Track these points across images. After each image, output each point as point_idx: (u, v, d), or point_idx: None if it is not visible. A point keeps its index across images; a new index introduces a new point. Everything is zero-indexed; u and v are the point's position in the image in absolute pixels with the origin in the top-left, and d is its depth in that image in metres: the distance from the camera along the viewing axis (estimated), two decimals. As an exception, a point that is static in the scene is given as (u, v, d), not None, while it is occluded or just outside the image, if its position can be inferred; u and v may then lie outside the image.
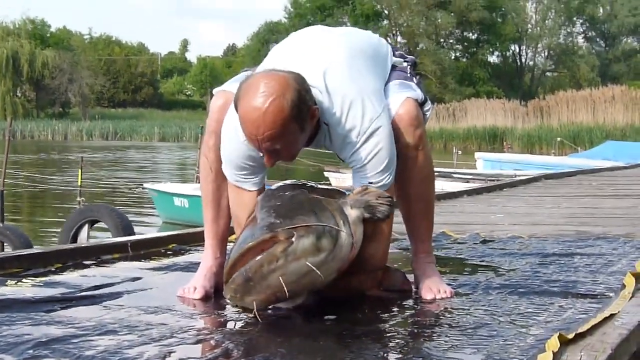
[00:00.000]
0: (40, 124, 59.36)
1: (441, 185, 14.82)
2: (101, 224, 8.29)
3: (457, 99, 58.63)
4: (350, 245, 2.67)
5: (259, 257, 2.48)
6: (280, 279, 2.47)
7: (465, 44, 75.34)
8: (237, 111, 2.69)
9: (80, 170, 15.42)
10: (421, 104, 3.04)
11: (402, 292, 3.08)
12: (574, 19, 77.68)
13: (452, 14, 69.26)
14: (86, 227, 8.23)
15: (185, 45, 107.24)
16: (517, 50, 77.38)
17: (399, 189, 3.05)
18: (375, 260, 2.91)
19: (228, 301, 2.63)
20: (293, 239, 2.49)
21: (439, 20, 70.02)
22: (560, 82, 74.48)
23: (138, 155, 36.37)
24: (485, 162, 23.33)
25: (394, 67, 3.14)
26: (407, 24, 70.53)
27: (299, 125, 2.68)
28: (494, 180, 15.78)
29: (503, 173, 18.43)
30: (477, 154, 24.76)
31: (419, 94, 3.04)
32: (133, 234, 8.17)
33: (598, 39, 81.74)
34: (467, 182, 16.20)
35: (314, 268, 2.51)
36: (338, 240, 2.60)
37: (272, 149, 2.68)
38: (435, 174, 11.30)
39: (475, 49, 73.91)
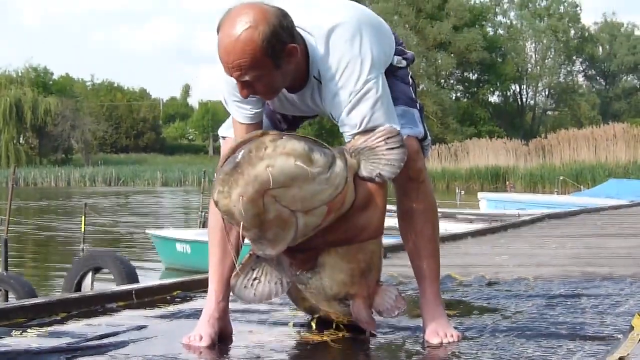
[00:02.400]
0: (43, 171, 59.53)
1: (445, 226, 14.76)
2: (105, 271, 8.28)
3: (459, 139, 58.76)
4: (344, 180, 2.60)
5: (248, 144, 2.48)
6: (268, 170, 2.43)
7: (466, 84, 75.71)
8: None
9: (83, 217, 15.44)
10: (421, 140, 3.05)
11: (396, 309, 2.96)
12: (574, 57, 78.17)
13: (452, 54, 69.65)
14: (90, 274, 8.21)
15: (187, 90, 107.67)
16: (518, 89, 77.75)
17: (402, 226, 3.04)
18: (368, 232, 2.81)
19: (215, 202, 2.51)
20: (284, 136, 2.51)
21: (440, 61, 70.40)
22: (561, 120, 74.68)
23: (141, 200, 36.37)
24: (489, 202, 23.30)
25: (396, 69, 3.09)
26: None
27: (272, 61, 2.66)
28: (497, 220, 15.81)
29: (507, 213, 18.39)
30: (480, 194, 24.72)
31: (420, 130, 3.04)
32: (137, 281, 8.15)
33: (598, 78, 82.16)
34: (471, 222, 16.16)
35: (304, 166, 2.47)
36: (332, 164, 2.57)
37: (243, 80, 2.68)
38: (439, 214, 11.23)
39: (476, 89, 74.25)
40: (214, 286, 3.10)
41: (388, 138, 2.71)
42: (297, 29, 2.75)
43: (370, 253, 2.84)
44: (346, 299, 2.85)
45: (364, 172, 2.70)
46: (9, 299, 8.10)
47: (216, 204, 2.51)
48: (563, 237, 7.61)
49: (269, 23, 2.63)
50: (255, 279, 2.74)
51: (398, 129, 2.78)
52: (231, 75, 2.70)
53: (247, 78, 2.67)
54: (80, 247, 14.88)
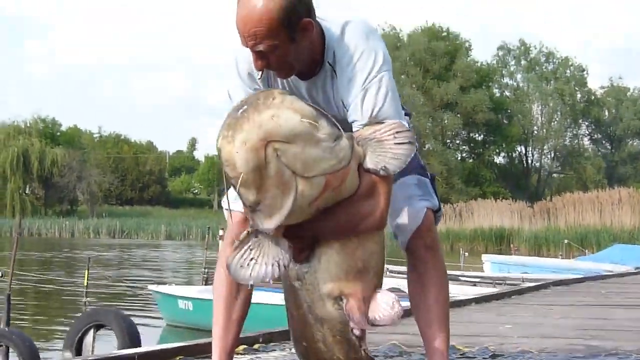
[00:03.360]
0: (47, 222, 59.61)
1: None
2: (107, 328, 8.25)
3: (464, 199, 58.81)
4: (347, 157, 2.57)
5: (257, 94, 2.50)
6: (273, 119, 2.42)
7: (472, 144, 75.96)
8: None
9: (87, 271, 15.45)
10: (435, 210, 3.08)
11: (391, 318, 2.79)
12: (580, 121, 78.46)
13: (459, 115, 70.05)
14: (92, 331, 8.17)
15: (193, 144, 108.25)
16: (524, 151, 77.98)
17: (414, 293, 3.05)
18: (370, 221, 2.74)
19: (219, 149, 2.48)
20: (293, 95, 2.53)
21: (446, 121, 70.79)
22: (567, 183, 74.79)
23: (144, 254, 36.32)
24: (493, 265, 23.27)
25: None
26: (414, 125, 70.87)
27: (287, 32, 2.70)
28: (501, 284, 15.79)
29: (510, 276, 18.36)
30: (484, 257, 24.69)
31: (435, 202, 3.09)
32: (139, 339, 8.12)
33: (604, 141, 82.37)
34: (475, 285, 16.12)
35: (309, 125, 2.44)
36: (339, 137, 2.55)
37: (258, 50, 2.71)
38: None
39: (481, 150, 74.49)
40: (217, 358, 3.09)
41: (397, 132, 2.71)
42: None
43: (369, 253, 2.77)
44: (340, 299, 2.75)
45: (369, 163, 2.68)
46: (10, 355, 8.07)
47: (219, 151, 2.48)
48: (567, 305, 7.57)
49: None
50: (252, 259, 2.62)
51: (407, 126, 2.78)
52: (246, 45, 2.73)
53: (261, 48, 2.70)
54: (83, 300, 14.91)
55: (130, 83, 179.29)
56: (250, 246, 2.64)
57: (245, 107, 2.46)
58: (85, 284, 15.27)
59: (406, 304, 3.09)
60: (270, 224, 2.52)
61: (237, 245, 2.66)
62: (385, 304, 2.77)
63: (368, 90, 2.80)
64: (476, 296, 7.89)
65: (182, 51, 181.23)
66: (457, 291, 14.45)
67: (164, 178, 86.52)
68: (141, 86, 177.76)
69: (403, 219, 3.03)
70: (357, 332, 2.81)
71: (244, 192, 2.48)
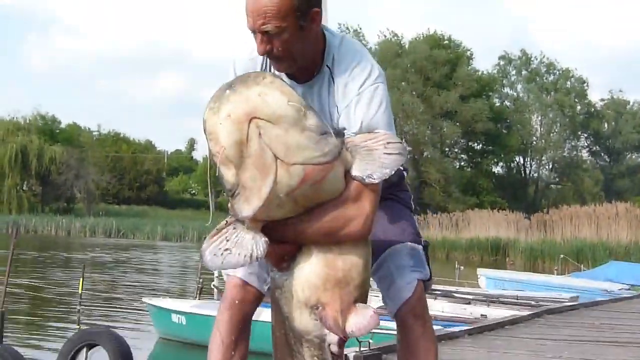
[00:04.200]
0: (44, 219, 59.59)
1: (442, 306, 14.77)
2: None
3: (461, 208, 58.84)
4: (332, 155, 2.56)
5: (249, 72, 2.55)
6: (260, 96, 2.44)
7: (470, 153, 76.01)
8: None
9: (81, 279, 15.45)
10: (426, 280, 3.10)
11: (368, 329, 2.77)
12: (579, 133, 78.58)
13: (458, 123, 70.06)
14: (84, 350, 8.16)
15: (192, 144, 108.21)
16: (522, 161, 78.09)
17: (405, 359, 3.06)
18: (355, 226, 2.68)
19: (204, 120, 2.50)
20: (286, 83, 2.56)
21: (445, 130, 70.81)
22: (564, 194, 74.85)
23: (140, 256, 36.30)
24: (488, 280, 23.25)
25: (399, 188, 3.17)
26: (413, 132, 71.27)
27: (296, 18, 2.72)
28: (495, 302, 15.80)
29: (505, 294, 18.32)
30: (479, 271, 24.67)
31: (427, 273, 3.09)
32: (132, 359, 8.11)
33: (603, 154, 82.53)
34: (469, 303, 16.07)
35: (295, 110, 2.47)
36: (327, 134, 2.56)
37: (265, 30, 2.71)
38: (437, 292, 11.21)
39: (480, 159, 74.54)
40: None
41: (388, 143, 2.72)
42: None
43: (350, 265, 2.72)
44: (317, 308, 2.72)
45: (355, 170, 2.66)
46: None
47: (204, 122, 2.50)
48: (560, 341, 7.57)
49: None
50: (226, 249, 2.60)
51: (398, 139, 2.78)
52: (252, 26, 2.73)
53: (269, 28, 2.70)
54: (77, 308, 14.91)
55: (130, 80, 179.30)
56: (227, 236, 2.62)
57: (236, 80, 2.51)
58: (80, 292, 15.29)
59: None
60: (248, 210, 2.52)
61: (214, 233, 2.65)
62: (363, 316, 2.73)
63: (362, 97, 2.83)
64: (469, 328, 7.88)
65: (183, 50, 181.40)
66: (449, 310, 14.51)
67: (161, 178, 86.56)
68: (141, 83, 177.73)
69: (393, 289, 3.03)
70: (334, 348, 2.79)
71: (225, 171, 2.50)
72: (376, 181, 2.65)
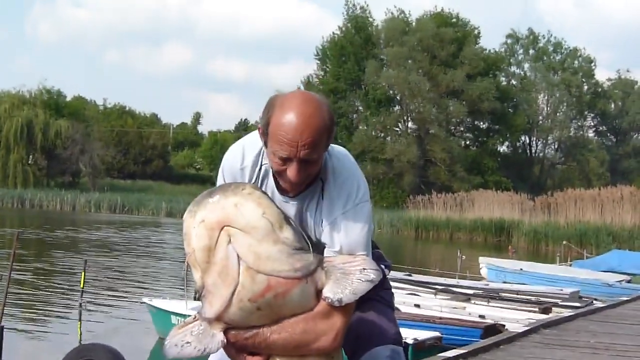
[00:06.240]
0: (49, 194, 59.70)
1: (440, 305, 14.80)
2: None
3: (465, 187, 58.86)
4: (307, 270, 2.62)
5: (231, 182, 2.72)
6: (236, 207, 2.52)
7: (476, 132, 75.95)
8: (268, 126, 2.77)
9: (83, 273, 15.50)
10: None
11: None
12: (586, 113, 78.44)
13: (464, 102, 69.95)
14: (81, 366, 8.23)
15: (197, 118, 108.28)
16: (528, 141, 77.96)
17: None
18: (325, 341, 2.73)
19: (184, 220, 2.60)
20: (267, 196, 2.64)
21: (451, 109, 70.67)
22: (569, 174, 74.86)
23: (145, 236, 36.41)
24: (489, 271, 23.31)
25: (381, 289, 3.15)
26: (419, 111, 71.18)
27: (327, 144, 2.80)
28: (495, 298, 15.85)
29: (505, 287, 18.37)
30: (481, 260, 24.71)
31: None
32: (128, 375, 8.18)
33: (609, 134, 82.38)
34: (469, 299, 16.12)
35: (269, 222, 2.53)
36: (303, 250, 2.62)
37: (308, 158, 2.75)
38: (438, 287, 11.28)
39: (485, 138, 74.45)
40: None
41: (364, 269, 2.74)
42: None
43: None
44: None
45: (327, 292, 2.69)
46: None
47: (183, 223, 2.60)
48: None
49: (329, 105, 2.82)
50: (188, 342, 2.70)
51: (374, 265, 2.79)
52: (294, 155, 2.74)
53: (314, 156, 2.75)
54: (78, 302, 14.99)
55: (136, 52, 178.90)
56: (192, 330, 2.71)
57: (217, 189, 2.60)
58: (82, 286, 15.34)
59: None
60: (210, 312, 2.61)
61: (181, 325, 2.74)
62: None
63: (346, 217, 2.87)
64: (464, 351, 7.91)
65: (189, 21, 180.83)
66: (447, 310, 14.53)
67: (167, 153, 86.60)
68: (146, 56, 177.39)
69: None
70: None
71: (194, 272, 2.58)
72: (343, 304, 2.69)
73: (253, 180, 2.96)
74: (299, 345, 2.70)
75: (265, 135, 2.81)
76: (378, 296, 3.18)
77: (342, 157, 2.97)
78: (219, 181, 3.00)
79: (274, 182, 2.95)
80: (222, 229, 2.52)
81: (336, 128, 2.86)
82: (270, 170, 2.93)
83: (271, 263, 2.55)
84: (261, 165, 2.98)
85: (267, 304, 2.60)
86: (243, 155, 2.99)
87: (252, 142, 3.01)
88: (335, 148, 2.98)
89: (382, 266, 3.14)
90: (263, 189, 2.86)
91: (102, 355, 8.22)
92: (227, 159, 3.04)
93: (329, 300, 2.67)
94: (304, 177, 2.81)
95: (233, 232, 2.52)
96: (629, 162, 78.40)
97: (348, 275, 2.72)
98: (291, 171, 2.77)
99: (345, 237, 2.86)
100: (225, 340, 2.67)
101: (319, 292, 2.69)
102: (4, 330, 9.04)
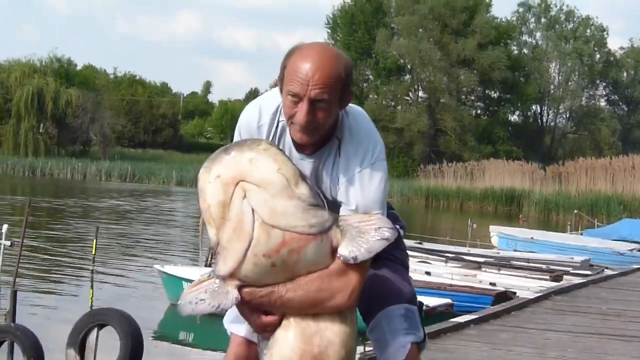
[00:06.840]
0: (60, 163, 59.79)
1: (451, 273, 14.83)
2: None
3: (476, 157, 58.75)
4: (322, 227, 2.63)
5: (248, 138, 2.74)
6: (251, 162, 2.55)
7: (487, 102, 75.65)
8: (285, 69, 2.81)
9: (94, 241, 15.62)
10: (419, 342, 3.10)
11: None
12: (597, 82, 77.97)
13: (475, 71, 69.63)
14: (95, 330, 8.27)
15: (208, 87, 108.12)
16: (539, 110, 77.66)
17: None
18: (340, 299, 2.73)
19: (199, 177, 2.62)
20: (283, 153, 2.66)
21: (462, 78, 70.39)
22: (580, 144, 74.61)
23: (155, 205, 36.51)
24: (501, 239, 23.30)
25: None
26: (430, 80, 70.89)
27: (340, 95, 2.81)
28: (506, 266, 15.87)
29: (516, 255, 18.40)
30: (492, 228, 24.67)
31: (421, 334, 3.09)
32: (141, 340, 8.21)
33: (621, 103, 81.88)
34: (479, 267, 16.12)
35: (284, 178, 2.56)
36: (318, 207, 2.63)
37: (318, 98, 2.75)
38: (449, 255, 11.42)
39: (496, 108, 74.17)
40: None
41: (379, 227, 2.75)
42: None
43: (327, 342, 2.75)
44: None
45: (342, 250, 2.69)
46: (15, 350, 8.21)
47: (198, 179, 2.62)
48: (565, 332, 7.63)
49: (350, 62, 2.85)
50: (202, 299, 2.69)
51: (390, 224, 2.79)
52: (304, 93, 2.75)
53: (324, 97, 2.75)
54: (90, 268, 15.12)
55: (146, 21, 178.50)
56: (206, 288, 2.70)
57: (233, 145, 2.63)
58: (94, 253, 15.47)
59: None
60: (224, 269, 2.60)
61: (195, 283, 2.73)
62: None
63: (361, 176, 2.87)
64: (475, 317, 7.93)
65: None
66: (458, 278, 14.55)
67: (177, 122, 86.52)
68: (157, 24, 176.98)
69: (387, 352, 3.05)
70: None
71: (208, 229, 2.59)
72: (359, 261, 2.69)
73: (270, 138, 2.94)
74: (314, 303, 2.70)
75: (281, 80, 2.82)
76: (392, 256, 3.18)
77: (359, 116, 2.97)
78: (236, 139, 2.97)
79: (291, 140, 2.94)
80: (237, 184, 2.53)
81: (353, 88, 2.84)
82: (287, 128, 2.92)
83: (286, 218, 2.56)
84: (278, 123, 2.96)
85: (281, 260, 2.60)
86: (260, 113, 2.98)
87: (269, 100, 3.00)
88: (353, 107, 2.98)
89: (397, 227, 3.12)
90: (280, 146, 2.86)
91: (115, 319, 8.24)
92: (244, 117, 3.03)
93: (344, 258, 2.67)
94: (312, 121, 2.78)
95: (248, 187, 2.53)
96: (640, 131, 78.09)
97: (363, 234, 2.72)
98: (300, 112, 2.77)
99: (362, 195, 2.86)
100: (239, 297, 2.66)
101: (334, 251, 2.69)
102: (18, 294, 9.04)
